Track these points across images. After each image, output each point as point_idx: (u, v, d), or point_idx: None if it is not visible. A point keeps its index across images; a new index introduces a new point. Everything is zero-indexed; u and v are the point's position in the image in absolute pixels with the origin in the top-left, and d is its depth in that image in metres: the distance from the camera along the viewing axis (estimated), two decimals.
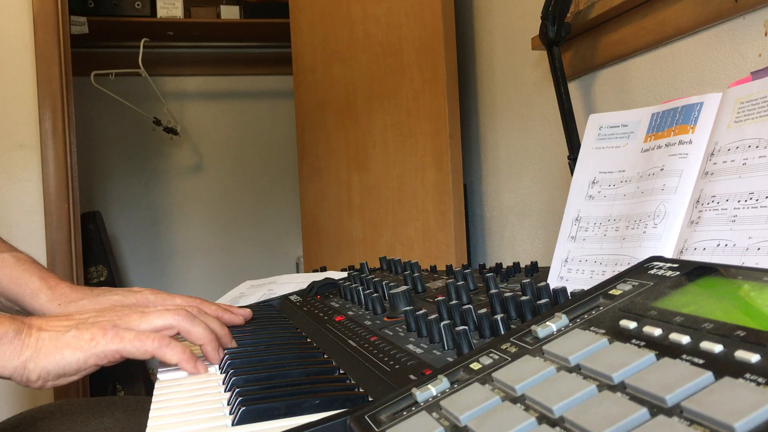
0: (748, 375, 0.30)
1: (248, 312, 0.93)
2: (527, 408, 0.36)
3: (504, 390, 0.39)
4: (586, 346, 0.40)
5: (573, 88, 1.42)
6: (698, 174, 0.68)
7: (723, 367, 0.32)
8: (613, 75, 1.33)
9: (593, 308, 0.46)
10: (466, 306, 0.64)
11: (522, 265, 0.94)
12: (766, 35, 0.96)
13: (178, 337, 0.74)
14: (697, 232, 0.64)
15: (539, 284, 0.66)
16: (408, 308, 0.70)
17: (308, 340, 0.80)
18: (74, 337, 0.65)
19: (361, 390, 0.57)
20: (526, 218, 1.68)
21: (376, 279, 0.92)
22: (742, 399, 0.29)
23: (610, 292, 0.47)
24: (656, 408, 0.31)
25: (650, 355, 0.36)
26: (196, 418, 0.55)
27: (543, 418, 0.34)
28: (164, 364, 0.71)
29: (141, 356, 0.67)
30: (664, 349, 0.36)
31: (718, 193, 0.64)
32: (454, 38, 1.75)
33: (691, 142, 0.70)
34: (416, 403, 0.42)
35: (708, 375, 0.31)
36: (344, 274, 1.14)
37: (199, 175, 3.51)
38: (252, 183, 3.55)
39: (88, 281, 2.92)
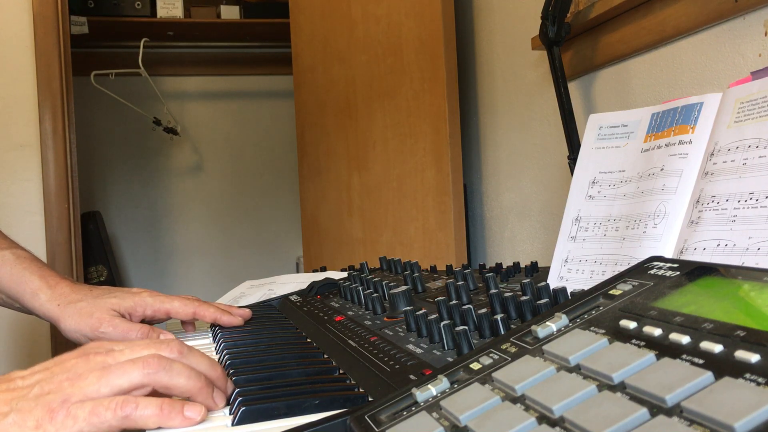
0: (748, 375, 0.30)
1: (247, 312, 0.93)
2: (527, 408, 0.36)
3: (504, 390, 0.39)
4: (586, 346, 0.40)
5: (573, 88, 1.42)
6: (698, 174, 0.68)
7: (723, 367, 0.32)
8: (613, 75, 1.32)
9: (593, 308, 0.46)
10: (466, 306, 0.64)
11: (522, 265, 0.94)
12: (766, 35, 0.96)
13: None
14: (697, 232, 0.64)
15: (539, 284, 0.66)
16: (408, 308, 0.70)
17: (308, 340, 0.80)
18: (15, 424, 0.49)
19: (361, 390, 0.57)
20: (526, 218, 1.68)
21: (376, 279, 0.92)
22: (742, 399, 0.29)
23: (610, 292, 0.47)
24: (656, 408, 0.31)
25: (650, 355, 0.36)
26: None
27: (543, 418, 0.34)
28: None
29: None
30: (664, 349, 0.36)
31: (718, 193, 0.64)
32: (454, 38, 1.75)
33: (691, 142, 0.70)
34: (416, 403, 0.42)
35: (708, 375, 0.31)
36: (344, 274, 1.14)
37: (199, 175, 3.51)
38: (252, 183, 3.56)
39: (88, 281, 2.92)
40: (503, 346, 0.45)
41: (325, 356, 0.71)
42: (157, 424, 0.51)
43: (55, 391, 0.51)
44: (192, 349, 0.59)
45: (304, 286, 1.09)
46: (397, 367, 0.57)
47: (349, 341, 0.70)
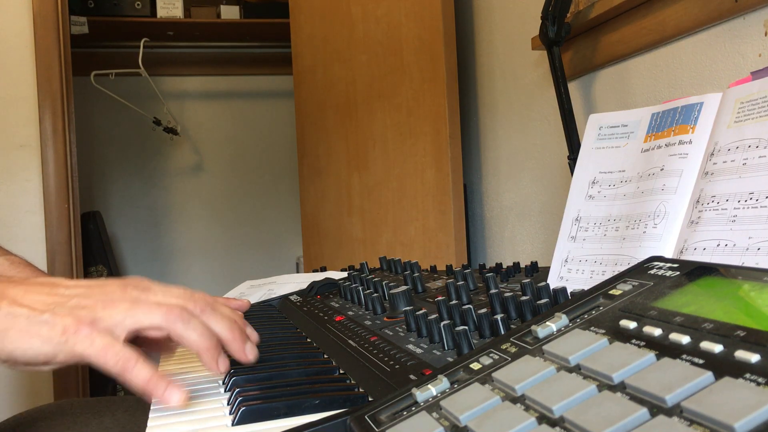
0: (748, 375, 0.30)
1: (245, 303, 0.93)
2: (527, 408, 0.36)
3: (504, 390, 0.39)
4: (586, 346, 0.40)
5: (573, 88, 1.42)
6: (698, 174, 0.68)
7: (723, 367, 0.32)
8: (613, 75, 1.32)
9: (593, 308, 0.46)
10: (466, 306, 0.64)
11: (522, 265, 0.94)
12: (766, 35, 0.96)
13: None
14: (697, 232, 0.64)
15: (539, 284, 0.66)
16: (408, 308, 0.70)
17: (308, 340, 0.80)
18: (47, 323, 0.56)
19: (361, 390, 0.57)
20: (526, 218, 1.68)
21: (376, 279, 0.92)
22: (742, 399, 0.29)
23: (610, 292, 0.47)
24: (656, 408, 0.31)
25: (650, 355, 0.36)
26: (196, 418, 0.55)
27: (543, 418, 0.34)
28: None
29: (103, 369, 0.57)
30: (664, 349, 0.36)
31: (718, 193, 0.64)
32: (454, 38, 1.75)
33: (691, 142, 0.70)
34: (416, 403, 0.42)
35: (708, 375, 0.31)
36: (344, 274, 1.14)
37: (199, 175, 3.51)
38: (252, 183, 3.56)
39: None
40: (503, 346, 0.45)
41: (325, 356, 0.71)
42: (141, 390, 0.56)
43: (90, 308, 0.58)
44: (218, 308, 0.64)
45: (304, 286, 1.09)
46: (397, 367, 0.57)
47: (349, 341, 0.70)
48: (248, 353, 0.63)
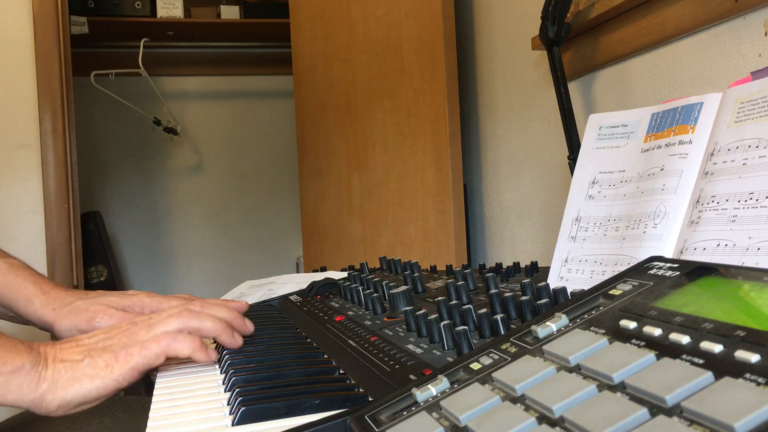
0: (748, 375, 0.30)
1: (244, 304, 0.93)
2: (527, 408, 0.36)
3: (504, 390, 0.39)
4: (586, 346, 0.40)
5: (573, 88, 1.42)
6: (698, 174, 0.68)
7: (723, 367, 0.32)
8: (613, 75, 1.32)
9: (593, 308, 0.46)
10: (466, 306, 0.64)
11: (522, 265, 0.94)
12: (766, 35, 0.96)
13: None
14: (697, 232, 0.64)
15: (539, 284, 0.66)
16: (408, 308, 0.70)
17: (308, 340, 0.80)
18: (89, 365, 0.65)
19: (361, 390, 0.57)
20: (526, 218, 1.68)
21: (376, 279, 0.92)
22: (742, 399, 0.29)
23: (610, 292, 0.47)
24: (656, 408, 0.31)
25: (650, 355, 0.36)
26: (196, 418, 0.56)
27: (543, 418, 0.34)
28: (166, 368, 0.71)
29: (155, 362, 0.66)
30: (664, 349, 0.36)
31: (718, 193, 0.64)
32: (454, 38, 1.75)
33: (691, 142, 0.70)
34: (416, 403, 0.42)
35: (708, 375, 0.31)
36: (344, 274, 1.14)
37: (199, 175, 3.51)
38: (252, 183, 3.55)
39: (88, 281, 2.92)
40: (503, 346, 0.45)
41: (325, 356, 0.71)
42: (189, 352, 0.67)
43: (116, 342, 0.68)
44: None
45: (304, 286, 1.09)
46: (397, 367, 0.57)
47: (349, 341, 0.70)
48: (249, 326, 0.79)
